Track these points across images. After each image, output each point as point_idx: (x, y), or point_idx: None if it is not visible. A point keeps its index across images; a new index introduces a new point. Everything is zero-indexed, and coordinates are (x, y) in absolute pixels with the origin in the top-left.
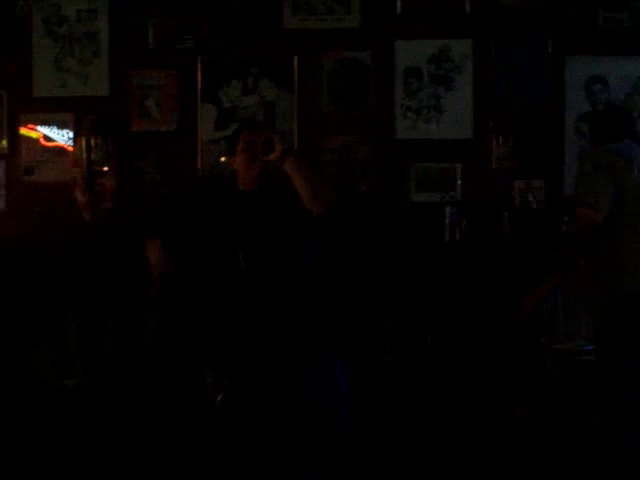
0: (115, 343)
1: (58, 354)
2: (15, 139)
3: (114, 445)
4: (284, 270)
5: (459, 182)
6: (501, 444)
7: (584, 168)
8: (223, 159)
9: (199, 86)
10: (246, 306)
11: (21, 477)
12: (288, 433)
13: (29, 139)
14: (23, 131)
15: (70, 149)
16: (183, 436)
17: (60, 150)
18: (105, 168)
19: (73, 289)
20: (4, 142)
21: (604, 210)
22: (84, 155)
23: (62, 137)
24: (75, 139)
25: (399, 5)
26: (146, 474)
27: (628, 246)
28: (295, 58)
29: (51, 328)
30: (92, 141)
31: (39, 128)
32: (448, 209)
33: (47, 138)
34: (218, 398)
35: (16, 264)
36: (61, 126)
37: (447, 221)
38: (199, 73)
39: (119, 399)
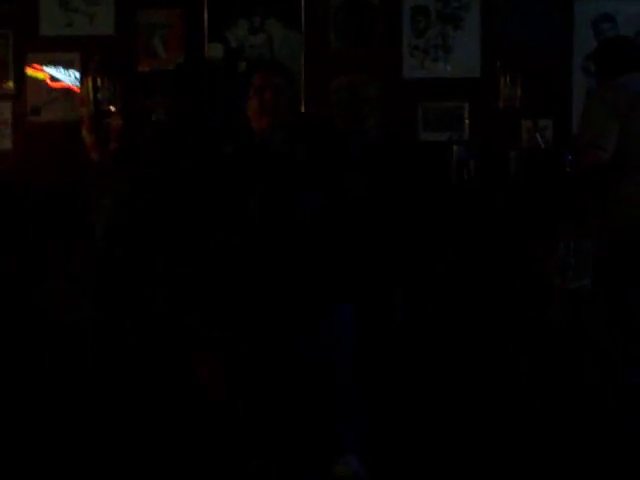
0: (123, 277)
1: (63, 288)
2: (21, 79)
3: (118, 381)
4: (293, 214)
5: (467, 121)
6: (510, 386)
7: (589, 107)
8: None
9: (205, 25)
10: (255, 251)
11: (25, 414)
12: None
13: (35, 79)
14: (29, 71)
15: (76, 89)
16: (187, 377)
17: (66, 90)
18: (112, 108)
19: (80, 224)
20: (10, 82)
21: (609, 149)
22: (91, 95)
23: (68, 77)
24: (82, 79)
25: None
26: (147, 413)
27: (632, 184)
28: None
29: (57, 262)
30: (98, 81)
31: (45, 68)
32: (456, 148)
33: (53, 78)
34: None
35: (22, 202)
36: (67, 66)
37: (455, 160)
38: (205, 12)
39: (126, 333)
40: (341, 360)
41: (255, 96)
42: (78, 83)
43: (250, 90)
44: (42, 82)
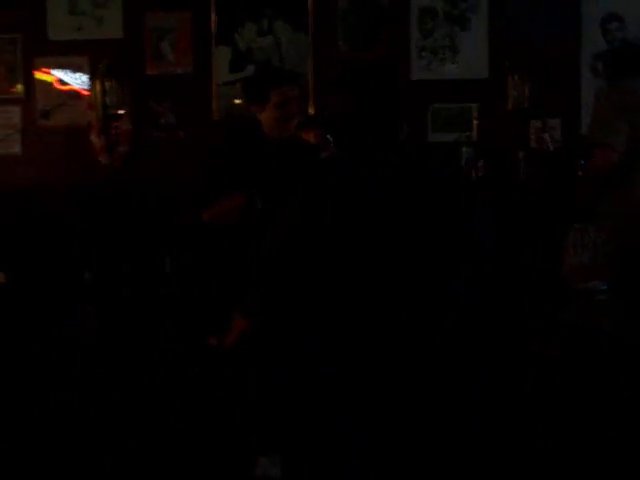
0: (131, 288)
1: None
2: (30, 83)
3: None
4: None
5: (475, 122)
6: (524, 382)
7: (599, 108)
8: (238, 101)
9: (214, 28)
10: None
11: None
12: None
13: (44, 83)
14: (38, 75)
15: (85, 93)
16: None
17: (75, 94)
18: (120, 111)
19: (88, 234)
20: (19, 86)
21: (619, 148)
22: (99, 98)
23: (77, 81)
24: (90, 82)
25: None
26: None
27: None
28: None
29: (64, 271)
30: (107, 84)
31: (54, 72)
32: (464, 149)
33: (62, 82)
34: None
35: (31, 206)
36: (76, 70)
37: (463, 161)
38: (213, 15)
39: (133, 345)
40: None
41: (277, 109)
42: (87, 87)
43: (266, 103)
44: (51, 86)
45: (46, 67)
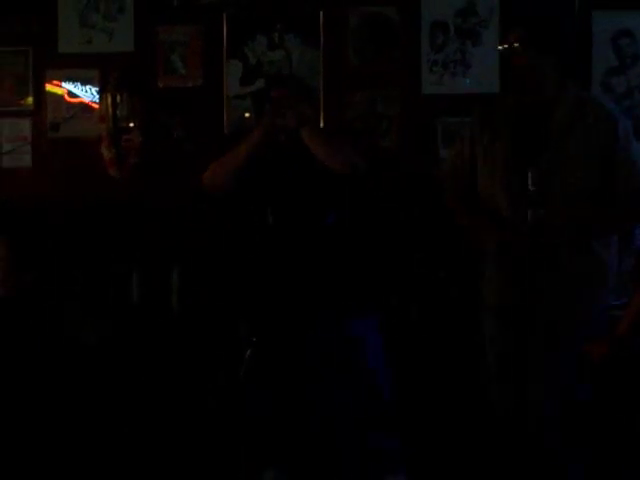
0: (141, 296)
1: (86, 310)
2: (40, 95)
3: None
4: (310, 226)
5: None
6: None
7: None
8: (248, 115)
9: (225, 41)
10: (274, 260)
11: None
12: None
13: (54, 95)
14: (48, 87)
15: (95, 105)
16: (209, 389)
17: (85, 106)
18: (131, 124)
19: (99, 244)
20: (29, 99)
21: None
22: (110, 111)
23: (87, 93)
24: (101, 95)
25: None
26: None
27: None
28: (321, 13)
29: (77, 283)
30: (118, 97)
31: (64, 84)
32: None
33: (72, 94)
34: (247, 354)
35: (41, 220)
36: (86, 82)
37: None
38: (224, 28)
39: (144, 352)
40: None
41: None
42: (97, 99)
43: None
44: (61, 98)
45: (56, 80)
